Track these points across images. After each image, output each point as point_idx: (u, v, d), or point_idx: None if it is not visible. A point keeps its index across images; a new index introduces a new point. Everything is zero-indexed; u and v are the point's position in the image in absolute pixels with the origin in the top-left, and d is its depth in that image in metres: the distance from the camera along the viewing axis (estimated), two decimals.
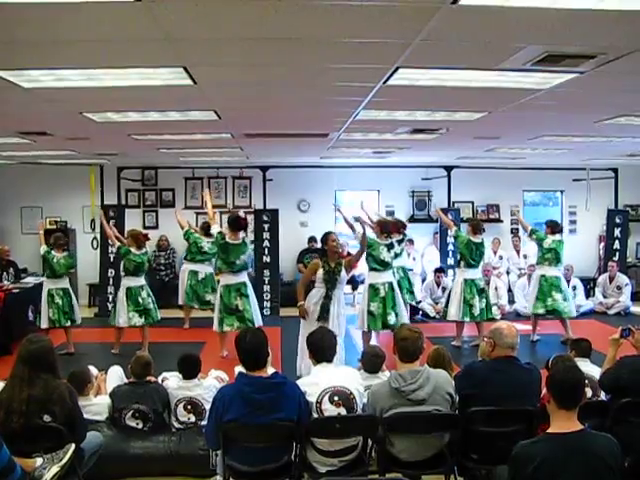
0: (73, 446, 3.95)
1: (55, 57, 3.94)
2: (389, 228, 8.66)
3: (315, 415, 4.21)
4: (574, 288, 11.99)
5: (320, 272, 7.14)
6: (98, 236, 12.37)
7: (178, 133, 7.63)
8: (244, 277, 8.69)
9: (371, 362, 5.32)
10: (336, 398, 4.23)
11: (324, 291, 7.13)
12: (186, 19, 3.21)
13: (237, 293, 8.51)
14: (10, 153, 9.89)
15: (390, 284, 8.35)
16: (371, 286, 8.30)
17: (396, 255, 8.97)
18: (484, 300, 9.13)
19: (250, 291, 8.68)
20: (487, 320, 9.00)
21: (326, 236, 7.41)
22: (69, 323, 8.94)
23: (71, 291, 9.13)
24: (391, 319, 8.09)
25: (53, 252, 8.87)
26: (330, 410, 4.22)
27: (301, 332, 7.17)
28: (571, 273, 12.01)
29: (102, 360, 7.55)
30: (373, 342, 8.32)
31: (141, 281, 9.00)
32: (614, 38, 3.52)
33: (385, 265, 8.36)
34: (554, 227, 9.54)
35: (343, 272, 7.20)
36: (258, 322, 8.42)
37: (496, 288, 11.57)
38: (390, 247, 8.47)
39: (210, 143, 8.72)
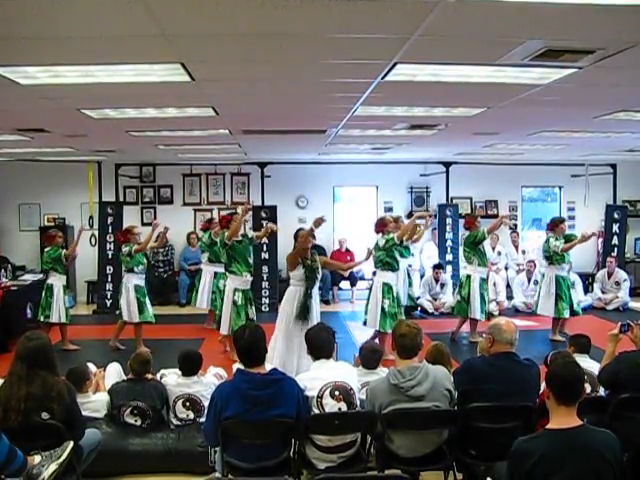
0: (72, 443, 3.93)
1: (51, 54, 3.93)
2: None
3: (316, 410, 4.22)
4: (572, 284, 12.00)
5: (301, 270, 6.95)
6: (96, 233, 12.38)
7: (176, 130, 7.62)
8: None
9: (369, 358, 5.31)
10: (337, 393, 4.24)
11: (303, 289, 6.94)
12: (183, 15, 3.20)
13: None
14: (8, 150, 9.87)
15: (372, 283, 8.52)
16: None
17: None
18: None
19: (225, 297, 8.40)
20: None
21: (296, 232, 7.26)
22: (42, 318, 8.89)
23: (55, 288, 8.93)
24: None
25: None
26: (331, 404, 4.22)
27: (276, 332, 6.96)
28: (570, 268, 12.01)
29: (101, 357, 7.55)
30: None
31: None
32: (613, 33, 3.51)
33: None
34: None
35: (319, 268, 7.08)
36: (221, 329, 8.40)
37: (494, 284, 11.57)
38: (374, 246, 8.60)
39: (208, 140, 8.70)
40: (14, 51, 3.84)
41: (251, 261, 8.22)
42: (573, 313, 9.38)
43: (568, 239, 9.37)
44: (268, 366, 4.22)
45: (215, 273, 10.19)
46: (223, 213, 11.21)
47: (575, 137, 8.45)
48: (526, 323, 9.72)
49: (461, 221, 12.32)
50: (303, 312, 6.89)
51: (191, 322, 10.66)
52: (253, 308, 8.37)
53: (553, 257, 9.32)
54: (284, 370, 5.27)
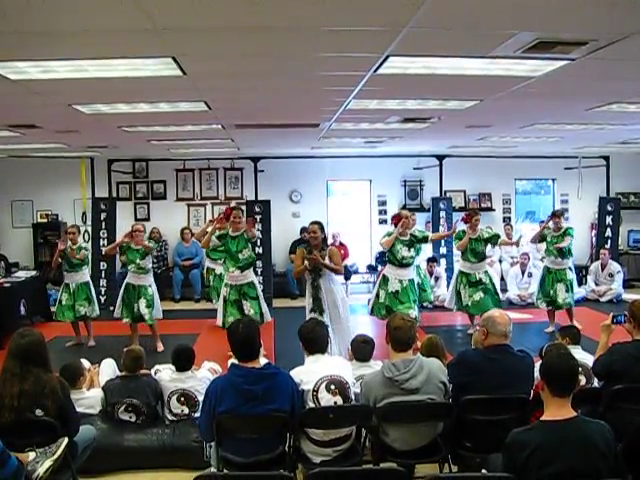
0: (66, 440, 3.94)
1: (41, 48, 3.90)
2: None
3: (311, 404, 4.21)
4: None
5: (305, 261, 7.06)
6: (89, 229, 12.34)
7: (168, 125, 7.59)
8: None
9: (361, 349, 5.29)
10: (332, 387, 4.23)
11: (310, 282, 7.11)
12: (174, 9, 3.18)
13: None
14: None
15: None
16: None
17: None
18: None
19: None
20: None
21: (308, 227, 7.30)
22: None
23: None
24: None
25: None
26: (327, 398, 4.22)
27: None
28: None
29: (95, 353, 7.54)
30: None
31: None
32: (605, 24, 3.51)
33: None
34: None
35: (327, 260, 7.10)
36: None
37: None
38: None
39: (201, 134, 8.68)
40: (3, 46, 3.80)
41: (241, 257, 8.01)
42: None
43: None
44: (262, 360, 4.22)
45: (207, 268, 10.24)
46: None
47: (568, 129, 8.46)
48: (520, 316, 9.73)
49: (455, 215, 12.40)
50: (315, 305, 7.05)
51: (186, 317, 10.65)
52: (252, 302, 8.06)
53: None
54: None
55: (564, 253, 9.16)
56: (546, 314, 9.46)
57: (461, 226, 9.16)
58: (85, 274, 9.12)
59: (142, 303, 8.55)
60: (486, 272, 9.17)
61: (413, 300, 8.28)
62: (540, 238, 9.43)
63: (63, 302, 8.88)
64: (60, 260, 8.86)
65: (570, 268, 9.35)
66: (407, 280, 8.31)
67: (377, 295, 8.42)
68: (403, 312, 7.87)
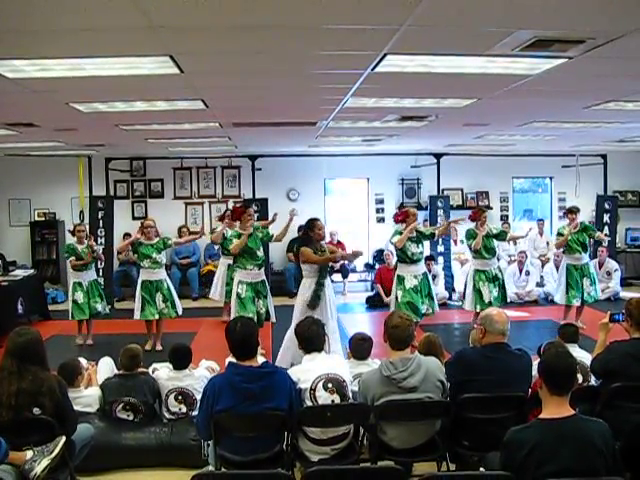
0: (64, 438, 3.93)
1: (38, 47, 3.89)
2: None
3: (309, 402, 4.22)
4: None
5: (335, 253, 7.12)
6: (87, 228, 12.30)
7: (166, 123, 7.57)
8: None
9: (359, 346, 5.29)
10: (330, 385, 4.24)
11: (316, 279, 7.06)
12: (171, 7, 3.17)
13: None
14: None
15: None
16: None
17: None
18: None
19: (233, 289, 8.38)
20: None
21: (312, 223, 7.20)
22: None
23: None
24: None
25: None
26: (324, 397, 4.22)
27: (294, 321, 7.07)
28: (561, 259, 12.03)
29: (93, 351, 7.53)
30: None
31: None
32: (603, 23, 3.50)
33: None
34: None
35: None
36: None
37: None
38: None
39: (198, 133, 8.66)
40: (0, 44, 3.80)
41: (259, 254, 8.01)
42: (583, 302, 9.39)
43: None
44: (260, 359, 4.22)
45: (229, 265, 10.12)
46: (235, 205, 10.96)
47: (566, 128, 8.45)
48: (518, 314, 9.73)
49: (452, 213, 12.39)
50: (314, 300, 7.04)
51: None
52: (264, 301, 8.09)
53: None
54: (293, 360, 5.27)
55: (586, 247, 9.26)
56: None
57: (468, 225, 9.22)
58: (94, 272, 9.24)
59: (159, 297, 8.60)
60: (499, 267, 9.44)
61: (425, 294, 8.51)
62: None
63: (79, 301, 8.83)
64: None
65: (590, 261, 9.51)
66: (421, 274, 8.56)
67: (396, 297, 8.52)
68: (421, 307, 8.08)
